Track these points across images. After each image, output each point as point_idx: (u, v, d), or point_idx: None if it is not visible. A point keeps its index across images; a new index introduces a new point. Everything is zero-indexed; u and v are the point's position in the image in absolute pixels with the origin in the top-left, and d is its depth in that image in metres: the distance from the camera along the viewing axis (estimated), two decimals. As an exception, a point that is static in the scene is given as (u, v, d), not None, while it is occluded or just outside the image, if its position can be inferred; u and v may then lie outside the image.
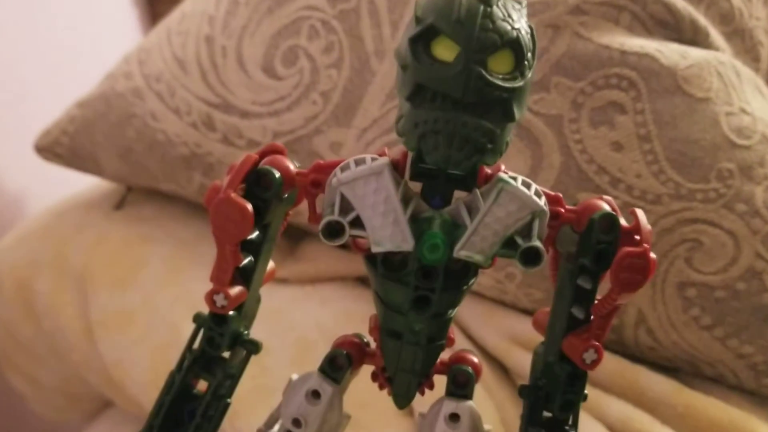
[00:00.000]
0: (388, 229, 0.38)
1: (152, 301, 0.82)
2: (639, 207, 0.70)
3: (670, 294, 0.72)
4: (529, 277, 0.76)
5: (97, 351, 0.82)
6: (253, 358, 0.44)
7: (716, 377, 0.76)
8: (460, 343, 0.75)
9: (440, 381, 0.45)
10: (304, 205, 0.42)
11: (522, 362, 0.75)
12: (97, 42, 1.35)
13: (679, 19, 0.76)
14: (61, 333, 0.86)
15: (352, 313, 0.80)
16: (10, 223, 1.09)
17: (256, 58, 0.85)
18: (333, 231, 0.39)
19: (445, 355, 0.45)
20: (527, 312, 0.79)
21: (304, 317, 0.79)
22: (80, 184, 1.03)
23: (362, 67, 0.81)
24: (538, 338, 0.75)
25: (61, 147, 0.92)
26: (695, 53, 0.75)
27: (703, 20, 0.77)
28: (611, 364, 0.73)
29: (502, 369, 0.77)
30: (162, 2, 1.54)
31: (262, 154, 0.41)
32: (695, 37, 0.77)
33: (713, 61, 0.74)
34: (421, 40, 0.35)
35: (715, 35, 0.78)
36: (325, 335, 0.77)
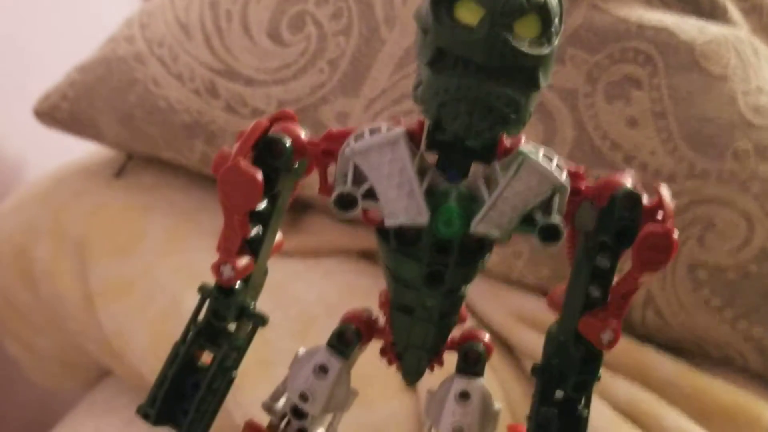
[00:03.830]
0: (402, 202, 0.37)
1: (152, 271, 0.81)
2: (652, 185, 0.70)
3: (681, 275, 0.71)
4: (536, 254, 0.75)
5: (96, 320, 0.81)
6: (256, 332, 0.43)
7: (724, 359, 0.76)
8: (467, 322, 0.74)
9: (450, 358, 0.44)
10: (312, 176, 0.41)
11: (527, 340, 0.74)
12: (97, 3, 1.32)
13: (697, -8, 0.74)
14: (59, 301, 0.85)
15: (355, 287, 0.79)
16: (8, 189, 1.07)
17: (262, 23, 0.83)
18: (345, 202, 0.37)
19: (455, 333, 0.44)
20: (533, 289, 0.78)
21: (306, 291, 0.78)
22: (80, 150, 1.01)
23: (371, 35, 0.79)
24: (544, 316, 0.75)
25: (60, 112, 0.90)
26: (713, 29, 0.73)
27: (721, -5, 0.76)
28: (618, 345, 0.72)
29: (506, 347, 0.76)
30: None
31: (273, 121, 0.40)
32: (713, 12, 0.76)
33: (731, 38, 0.73)
34: (444, 1, 0.33)
35: (733, 10, 0.77)
36: (328, 309, 0.76)
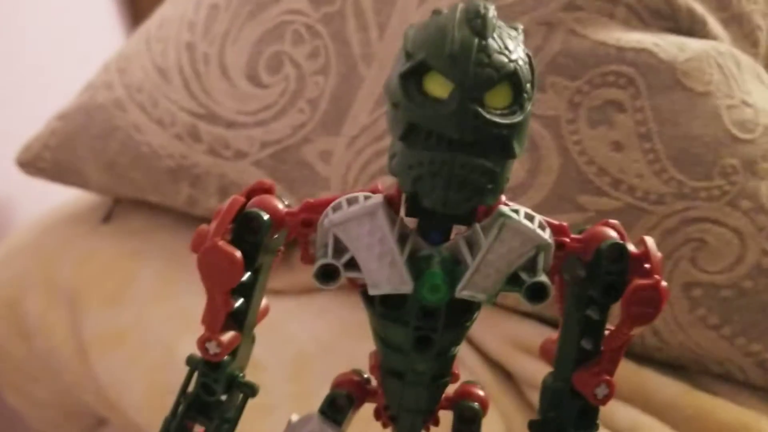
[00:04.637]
0: (385, 271, 0.36)
1: (145, 319, 0.80)
2: (641, 208, 0.70)
3: (676, 295, 0.71)
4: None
5: (91, 371, 0.80)
6: (250, 376, 0.42)
7: (724, 375, 0.75)
8: (462, 349, 0.74)
9: (446, 415, 0.44)
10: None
11: (525, 367, 0.73)
12: (77, 40, 1.32)
13: (675, 8, 0.73)
14: (53, 353, 0.85)
15: (349, 324, 0.78)
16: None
17: (240, 66, 0.82)
18: (327, 274, 0.37)
19: (449, 390, 0.43)
20: (528, 316, 0.77)
21: (300, 330, 0.78)
22: (66, 193, 1.01)
23: (350, 73, 0.79)
24: (541, 342, 0.74)
25: (43, 161, 0.90)
26: (694, 45, 0.73)
27: (700, 8, 0.75)
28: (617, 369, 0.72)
29: (504, 374, 0.76)
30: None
31: (249, 194, 0.39)
32: (693, 27, 0.75)
33: (712, 52, 0.72)
34: (413, 76, 0.33)
35: (713, 23, 0.76)
36: (323, 348, 0.76)
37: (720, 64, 0.72)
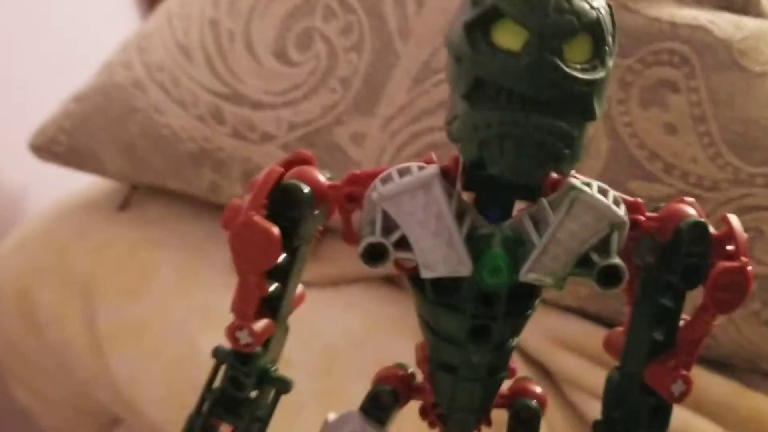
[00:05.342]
0: (440, 251, 0.33)
1: (165, 312, 0.78)
2: (695, 195, 0.66)
3: (729, 289, 0.67)
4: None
5: (106, 366, 0.79)
6: (279, 400, 0.39)
7: (777, 374, 0.72)
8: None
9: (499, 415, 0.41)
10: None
11: (567, 365, 0.71)
12: (93, 25, 1.31)
13: (730, -15, 0.71)
14: (66, 347, 0.83)
15: (379, 318, 0.76)
16: (8, 222, 1.05)
17: (267, 43, 0.80)
18: (375, 254, 0.33)
19: (503, 387, 0.40)
20: (570, 310, 0.75)
21: (328, 324, 0.75)
22: (81, 178, 0.98)
23: (385, 50, 0.77)
24: (584, 339, 0.71)
25: (58, 145, 0.87)
26: (750, 24, 0.71)
27: (754, -15, 0.72)
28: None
29: (544, 372, 0.73)
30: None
31: (287, 165, 0.35)
32: (746, 5, 0.73)
33: (769, 32, 0.69)
34: (480, 24, 0.29)
35: (766, 2, 0.73)
36: (353, 344, 0.73)
37: (777, 45, 0.69)
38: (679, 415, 0.65)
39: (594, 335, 0.69)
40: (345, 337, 0.74)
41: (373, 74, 0.77)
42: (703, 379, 0.69)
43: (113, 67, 0.87)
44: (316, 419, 0.41)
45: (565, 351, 0.71)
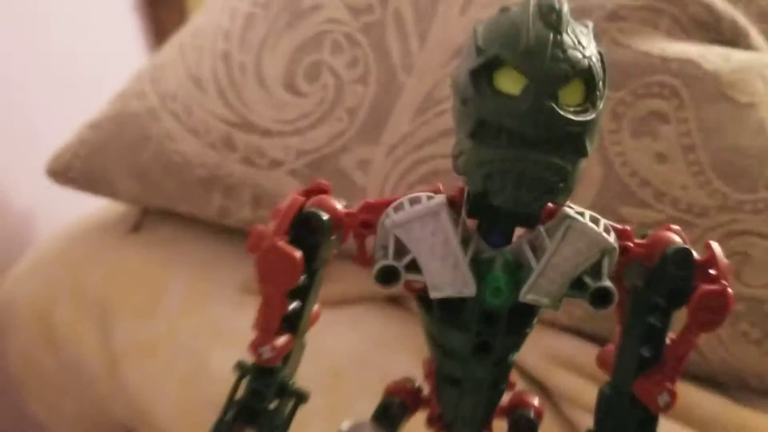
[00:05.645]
0: (447, 274, 0.35)
1: (176, 330, 0.80)
2: (685, 221, 0.68)
3: (718, 310, 0.69)
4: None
5: (122, 382, 0.80)
6: (297, 410, 0.42)
7: (764, 390, 0.74)
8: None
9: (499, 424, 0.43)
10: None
11: (564, 383, 0.72)
12: (99, 52, 1.32)
13: (719, 19, 0.73)
14: (83, 364, 0.84)
15: (383, 337, 0.77)
16: (21, 241, 1.06)
17: (277, 74, 0.82)
18: (388, 276, 0.36)
19: (503, 398, 0.42)
20: (565, 330, 0.76)
21: (334, 343, 0.76)
22: (92, 201, 1.00)
23: (389, 82, 0.78)
24: (580, 358, 0.73)
25: (73, 171, 0.89)
26: (738, 56, 0.72)
27: (743, 19, 0.74)
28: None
29: (542, 390, 0.74)
30: (165, 8, 1.51)
31: (307, 194, 0.38)
32: (736, 38, 0.75)
33: (757, 65, 0.72)
34: (484, 71, 0.32)
35: (755, 35, 0.76)
36: (357, 361, 0.75)
37: (765, 76, 0.72)
38: (670, 428, 0.67)
39: (588, 353, 0.70)
40: (349, 356, 0.75)
41: (378, 105, 0.78)
42: (693, 394, 0.70)
43: (127, 97, 0.89)
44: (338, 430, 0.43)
45: (562, 369, 0.73)
